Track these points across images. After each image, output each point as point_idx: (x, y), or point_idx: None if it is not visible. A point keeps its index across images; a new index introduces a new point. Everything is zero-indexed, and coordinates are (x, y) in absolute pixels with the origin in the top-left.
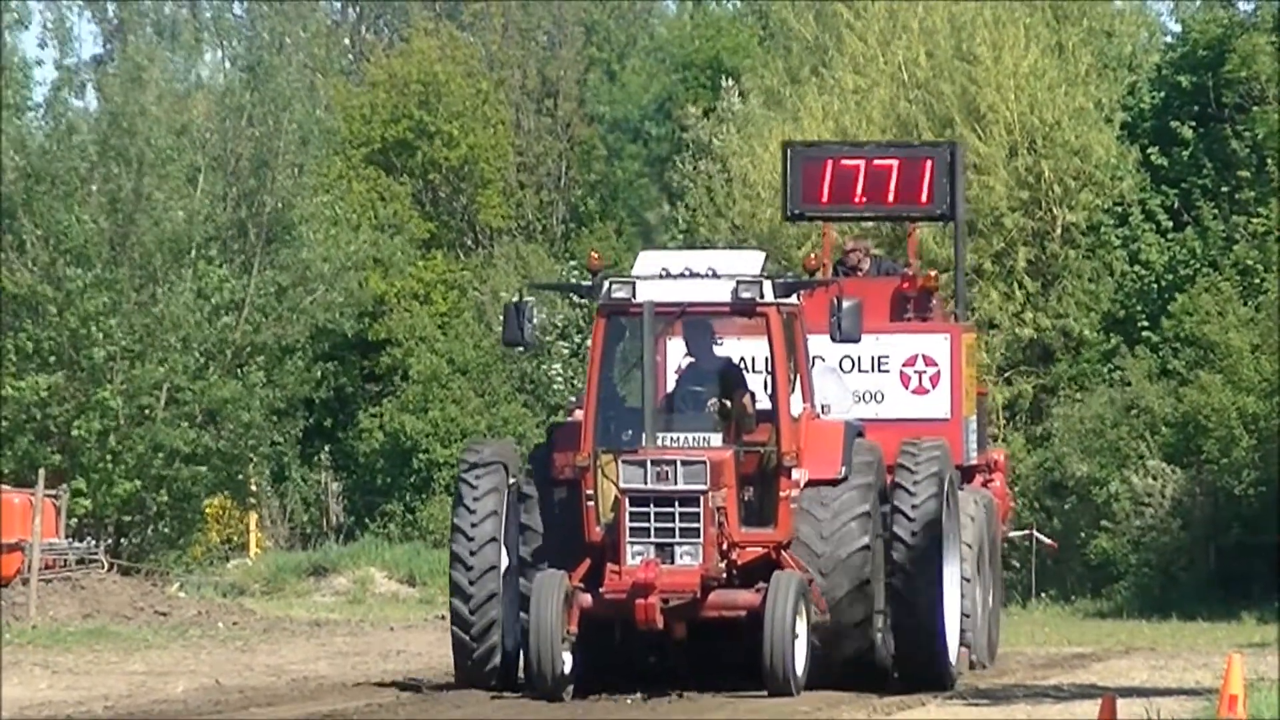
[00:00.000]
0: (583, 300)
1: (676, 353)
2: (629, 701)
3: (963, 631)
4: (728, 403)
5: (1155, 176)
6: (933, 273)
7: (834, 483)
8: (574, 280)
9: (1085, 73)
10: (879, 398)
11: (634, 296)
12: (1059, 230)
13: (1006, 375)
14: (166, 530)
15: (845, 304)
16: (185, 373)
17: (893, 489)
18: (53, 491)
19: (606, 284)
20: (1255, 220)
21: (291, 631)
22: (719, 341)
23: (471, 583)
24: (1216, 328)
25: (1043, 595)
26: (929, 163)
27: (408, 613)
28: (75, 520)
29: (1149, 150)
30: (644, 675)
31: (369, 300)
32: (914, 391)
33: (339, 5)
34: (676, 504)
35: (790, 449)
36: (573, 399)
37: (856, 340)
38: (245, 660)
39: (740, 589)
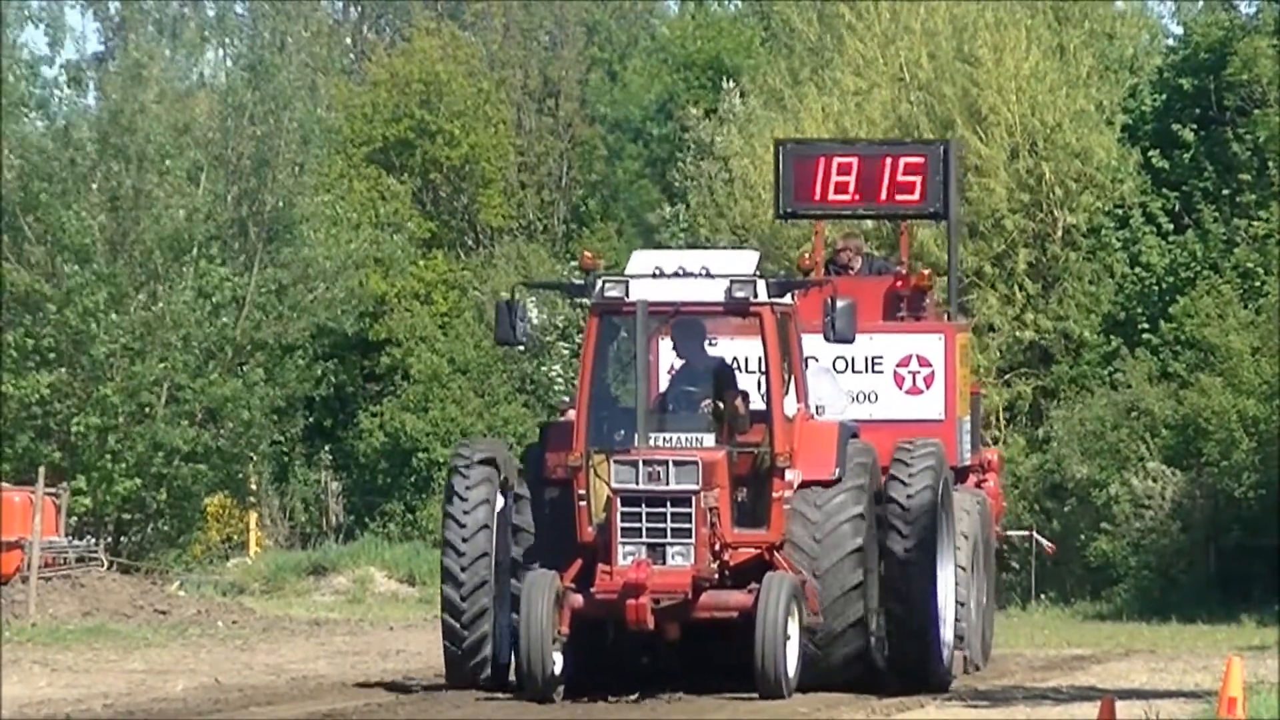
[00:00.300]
0: (582, 300)
1: (670, 352)
2: (628, 701)
3: (957, 633)
4: (721, 403)
5: (1156, 179)
6: (926, 271)
7: (828, 484)
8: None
9: (1086, 75)
10: (873, 398)
11: (627, 296)
12: (1060, 232)
13: (1006, 377)
14: (166, 529)
15: (839, 304)
16: (185, 371)
17: (887, 490)
18: (53, 489)
19: (599, 283)
20: (1256, 223)
21: (291, 631)
22: (712, 341)
23: (463, 583)
24: (1217, 330)
25: (1042, 597)
26: (923, 160)
27: (407, 612)
28: (75, 518)
29: (1150, 153)
30: (637, 676)
31: (369, 300)
32: (908, 392)
33: (340, 4)
34: (668, 504)
35: (784, 450)
36: (567, 398)
37: (850, 341)
38: (245, 659)
39: (732, 590)
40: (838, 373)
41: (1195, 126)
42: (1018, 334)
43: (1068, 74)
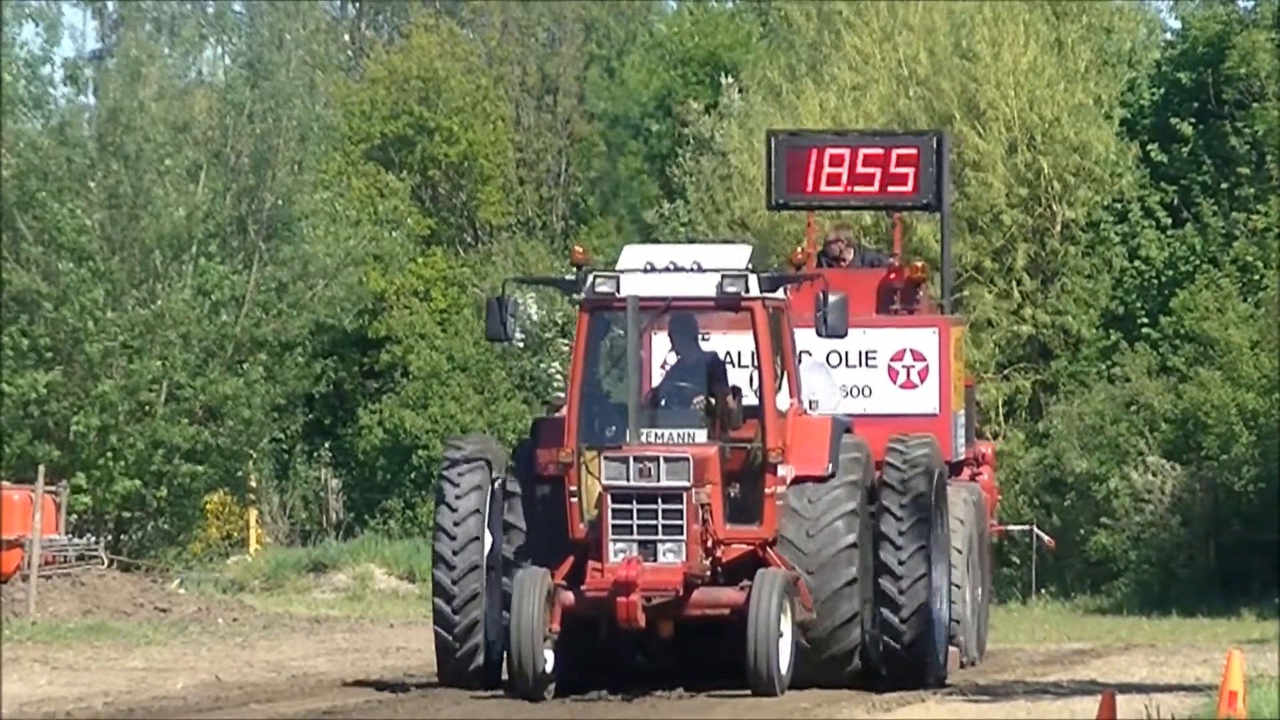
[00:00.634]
0: (574, 296)
1: (661, 348)
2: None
3: (952, 630)
4: (713, 399)
5: (1155, 173)
6: (919, 263)
7: (821, 479)
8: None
9: (1085, 69)
10: (867, 392)
11: (618, 291)
12: (1058, 227)
13: (1006, 372)
14: (166, 527)
15: (831, 298)
16: (185, 369)
17: (880, 485)
18: (52, 488)
19: (590, 278)
20: (1255, 217)
21: (291, 628)
22: (705, 336)
23: (454, 581)
24: (1216, 324)
25: (1042, 592)
26: (915, 152)
27: (407, 609)
28: (75, 516)
29: (1148, 147)
30: (629, 674)
31: (369, 297)
32: (902, 386)
33: (338, 2)
34: (659, 501)
35: (776, 445)
36: (560, 394)
37: (843, 335)
38: (245, 656)
39: (725, 587)
40: (831, 367)
41: (1194, 120)
42: (1016, 329)
43: (1066, 68)
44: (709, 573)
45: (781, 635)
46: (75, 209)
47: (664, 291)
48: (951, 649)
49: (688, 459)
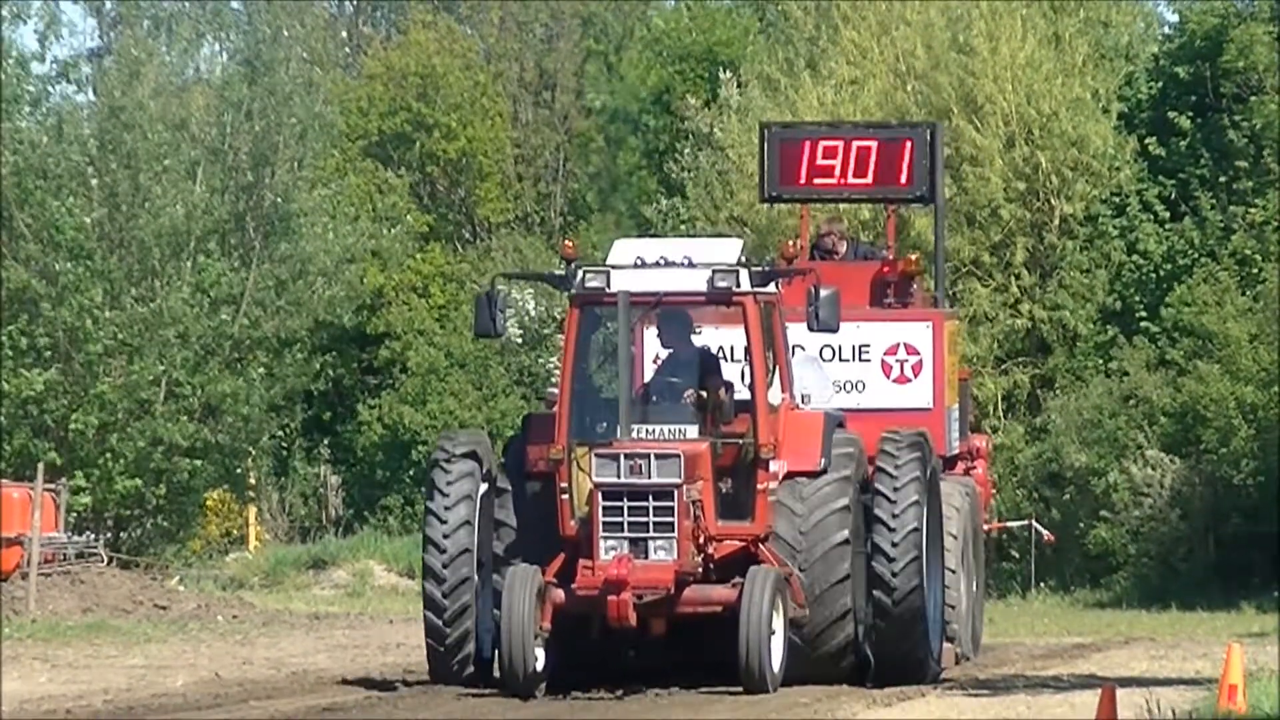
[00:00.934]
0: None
1: (654, 343)
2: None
3: (946, 624)
4: (704, 394)
5: (1153, 167)
6: (913, 256)
7: (813, 475)
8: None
9: (1082, 63)
10: (860, 387)
11: (608, 286)
12: (1056, 221)
13: (1004, 366)
14: (165, 524)
15: (823, 293)
16: (184, 367)
17: (873, 481)
18: (52, 486)
19: (580, 273)
20: (1253, 210)
21: (291, 625)
22: (697, 331)
23: (444, 595)
24: (1215, 318)
25: (1042, 586)
26: (908, 144)
27: (407, 605)
28: (74, 514)
29: (1146, 141)
30: (622, 672)
31: (367, 293)
32: (896, 381)
33: None
34: (650, 498)
35: (768, 441)
36: (554, 390)
37: (834, 330)
38: (245, 653)
39: (716, 585)
40: (824, 361)
41: (1192, 114)
42: (1013, 323)
43: (1063, 62)
44: (701, 570)
45: (773, 633)
46: (73, 207)
47: (655, 286)
48: (946, 645)
49: (679, 456)
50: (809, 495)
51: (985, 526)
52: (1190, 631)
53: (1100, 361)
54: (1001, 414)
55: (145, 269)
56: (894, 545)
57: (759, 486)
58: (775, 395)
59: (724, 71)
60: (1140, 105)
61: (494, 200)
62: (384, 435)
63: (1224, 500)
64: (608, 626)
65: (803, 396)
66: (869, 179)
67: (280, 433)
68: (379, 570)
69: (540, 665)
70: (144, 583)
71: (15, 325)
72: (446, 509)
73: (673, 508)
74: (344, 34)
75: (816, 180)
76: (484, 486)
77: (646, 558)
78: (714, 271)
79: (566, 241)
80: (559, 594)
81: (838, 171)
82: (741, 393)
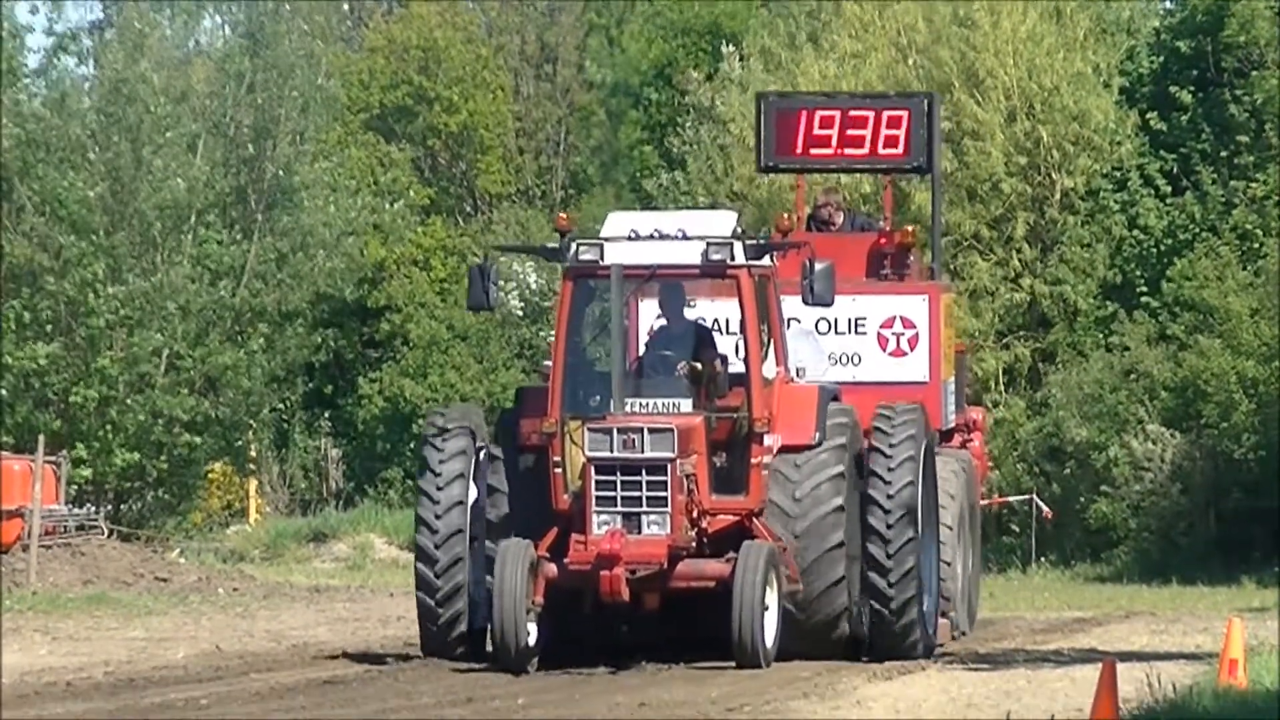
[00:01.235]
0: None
1: (648, 316)
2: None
3: (943, 599)
4: (698, 367)
5: (1154, 141)
6: (910, 228)
7: (808, 448)
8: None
9: (1083, 37)
10: (856, 360)
11: (601, 259)
12: (1057, 196)
13: (1005, 340)
14: (166, 497)
15: (817, 266)
16: (185, 339)
17: (868, 456)
18: (53, 458)
19: (574, 246)
20: (1254, 185)
21: (291, 597)
22: (691, 304)
23: (437, 545)
24: (1215, 292)
25: (1042, 560)
26: (906, 114)
27: (408, 579)
28: (75, 487)
29: (1148, 115)
30: (615, 647)
31: (369, 266)
32: (892, 354)
33: None
34: (643, 472)
35: (762, 414)
36: (547, 363)
37: (829, 304)
38: (245, 626)
39: (709, 559)
40: (820, 334)
41: (1193, 88)
42: (1014, 296)
43: (1065, 37)
44: (694, 544)
45: (767, 608)
46: (76, 181)
47: (648, 259)
48: (942, 620)
49: (672, 430)
50: (803, 464)
51: (985, 501)
52: (1191, 606)
53: (1101, 336)
54: (1002, 388)
55: (146, 242)
56: (888, 517)
57: (753, 460)
58: (770, 369)
59: (726, 45)
60: (1141, 80)
61: (495, 174)
62: (385, 408)
63: (1225, 475)
64: (600, 601)
65: (798, 370)
66: (866, 149)
67: (281, 405)
68: (379, 543)
69: (533, 640)
70: (144, 555)
71: (19, 300)
72: (439, 489)
73: (666, 482)
74: (345, 7)
75: (813, 150)
76: (477, 459)
77: (639, 532)
78: (708, 244)
79: (561, 214)
80: (551, 568)
81: (834, 142)
82: (736, 366)
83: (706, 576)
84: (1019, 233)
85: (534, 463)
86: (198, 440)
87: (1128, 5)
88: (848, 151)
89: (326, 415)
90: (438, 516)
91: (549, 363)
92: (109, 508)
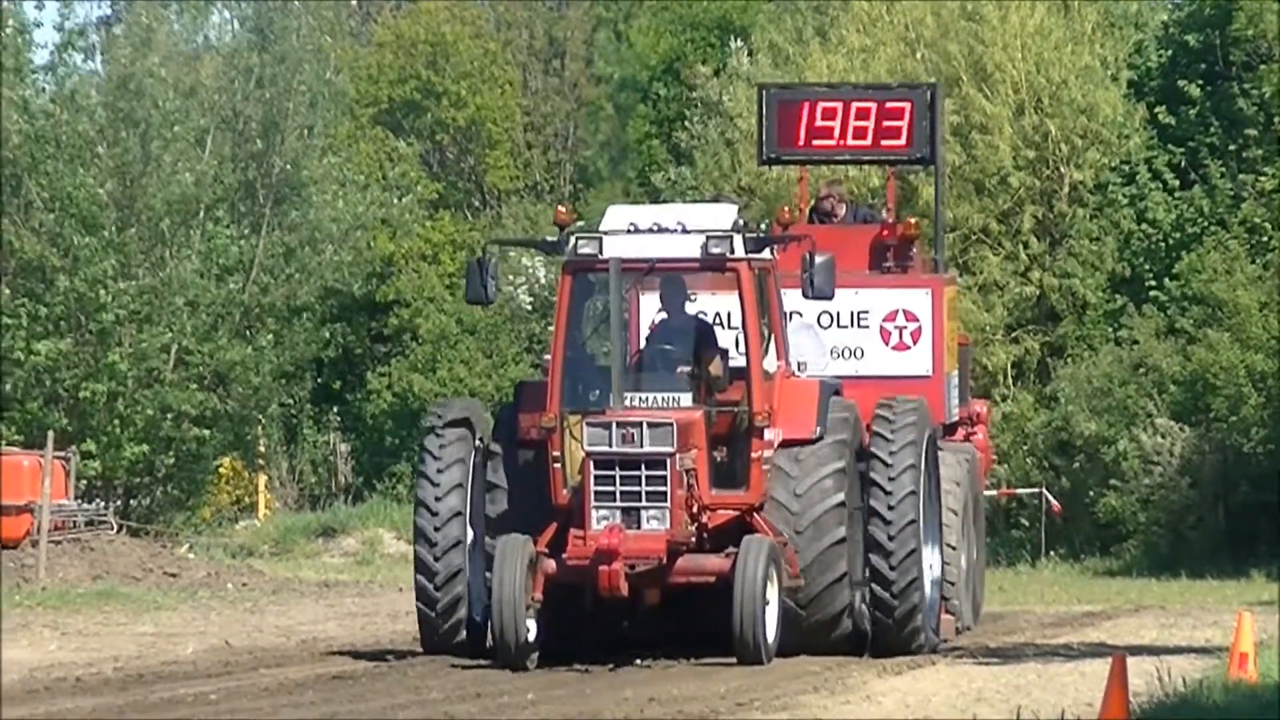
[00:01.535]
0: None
1: (647, 310)
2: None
3: (945, 594)
4: (698, 361)
5: (1162, 135)
6: (913, 220)
7: (809, 443)
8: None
9: (1092, 31)
10: (859, 354)
11: (600, 252)
12: (1066, 189)
13: (1014, 334)
14: (175, 492)
15: (818, 260)
16: (193, 335)
17: (870, 450)
18: (62, 453)
19: (572, 240)
20: (1263, 178)
21: (300, 592)
22: (692, 298)
23: (436, 558)
24: (1224, 286)
25: (1051, 554)
26: (908, 105)
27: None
28: (84, 482)
29: (1156, 109)
30: (615, 642)
31: (377, 261)
32: (894, 348)
33: None
34: (642, 467)
35: (762, 409)
36: (546, 357)
37: (829, 297)
38: (254, 621)
39: (709, 554)
40: (823, 328)
41: (1201, 82)
42: (1023, 290)
43: (1073, 30)
44: (694, 539)
45: (768, 603)
46: (86, 178)
47: (648, 253)
48: (946, 615)
49: (671, 424)
50: (804, 458)
51: (996, 493)
52: (1200, 600)
53: (1110, 330)
54: (1011, 382)
55: (155, 237)
56: (889, 513)
57: (753, 455)
58: (770, 363)
59: (734, 39)
60: (1150, 73)
61: (503, 168)
62: (393, 403)
63: (1234, 468)
64: (599, 597)
65: (799, 364)
66: (868, 140)
67: (290, 401)
68: (388, 538)
69: (532, 636)
70: (154, 550)
71: (27, 297)
72: (439, 472)
73: (665, 477)
74: (354, 2)
75: (815, 142)
76: (476, 453)
77: (639, 527)
78: (708, 237)
79: (560, 208)
80: (550, 564)
81: (837, 133)
82: (736, 360)
83: (706, 572)
84: (1026, 226)
85: (533, 458)
86: (206, 435)
87: None
88: (850, 143)
89: (335, 410)
90: (437, 499)
91: (548, 357)
92: (118, 503)
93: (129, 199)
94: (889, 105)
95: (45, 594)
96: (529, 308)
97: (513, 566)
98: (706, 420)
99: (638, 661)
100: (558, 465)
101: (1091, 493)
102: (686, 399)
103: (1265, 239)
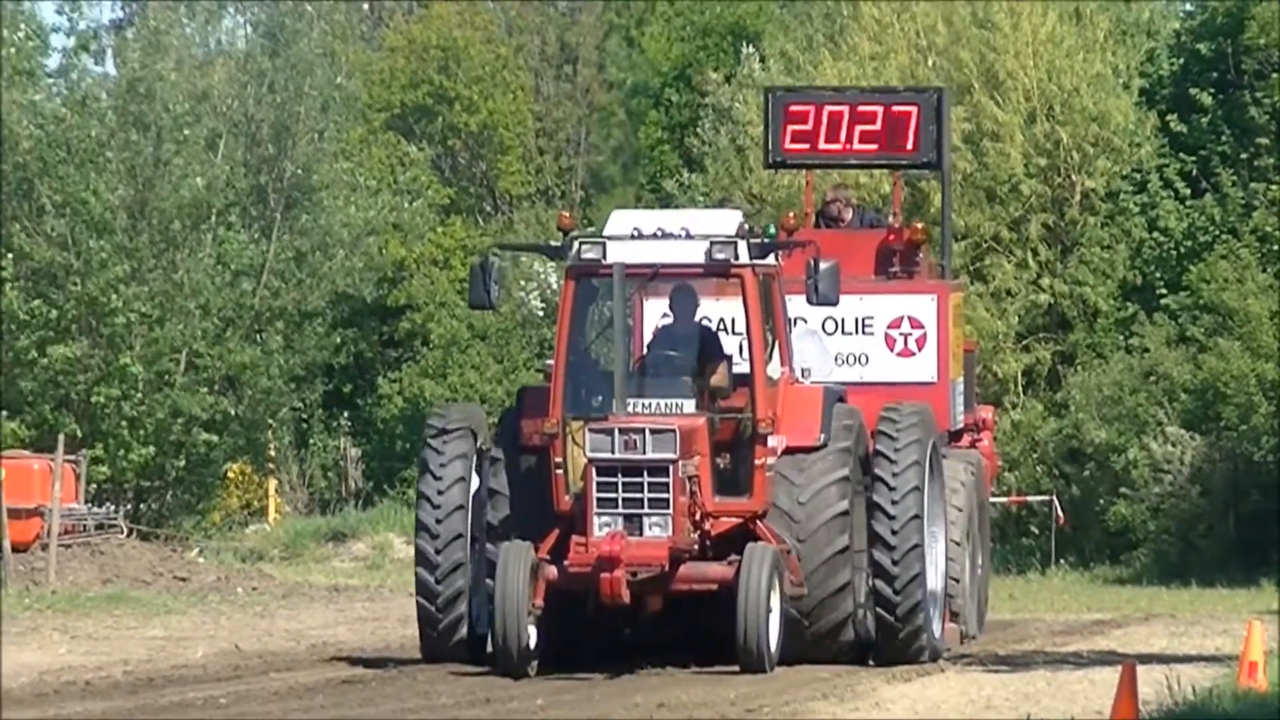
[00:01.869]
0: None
1: (653, 316)
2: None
3: (950, 598)
4: (702, 368)
5: (1174, 143)
6: (919, 225)
7: (812, 450)
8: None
9: (1103, 39)
10: (863, 360)
11: (604, 258)
12: (1077, 197)
13: (1025, 342)
14: (185, 496)
15: (822, 266)
16: (204, 338)
17: (874, 457)
18: (72, 457)
19: (576, 245)
20: (1274, 187)
21: (310, 597)
22: (697, 303)
23: (438, 551)
24: (1235, 294)
25: (1061, 562)
26: (915, 109)
27: None
28: (94, 486)
29: (1168, 117)
30: (617, 649)
31: (388, 266)
32: (899, 354)
33: None
34: (645, 474)
35: (766, 415)
36: (549, 362)
37: (834, 303)
38: (264, 625)
39: (712, 562)
40: (827, 334)
41: (1213, 91)
42: (1034, 298)
43: (1085, 38)
44: (697, 546)
45: (771, 611)
46: (98, 184)
47: (651, 258)
48: (950, 625)
49: (674, 431)
50: (807, 467)
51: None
52: (1210, 608)
53: (1121, 338)
54: (1022, 390)
55: (166, 240)
56: (893, 521)
57: (757, 462)
58: (774, 369)
59: (746, 46)
60: (1161, 81)
61: (515, 173)
62: (404, 408)
63: (1244, 477)
64: (601, 604)
65: (803, 370)
66: (875, 145)
67: (300, 405)
68: (398, 543)
69: (533, 643)
70: (164, 554)
71: (39, 300)
72: (439, 493)
73: (668, 484)
74: (365, 6)
75: (821, 146)
76: (478, 459)
77: (641, 534)
78: (711, 243)
79: (563, 212)
80: (552, 571)
81: (843, 137)
82: (740, 366)
83: (710, 579)
84: (1036, 234)
85: (535, 464)
86: (216, 439)
87: (1148, 7)
88: (857, 147)
89: (346, 415)
90: (438, 521)
91: (551, 362)
92: (128, 507)
93: (140, 203)
94: (895, 109)
95: (55, 597)
96: (540, 313)
97: (514, 573)
98: (710, 427)
99: (641, 669)
100: (560, 471)
101: (1102, 501)
102: (689, 405)
103: (1276, 248)
